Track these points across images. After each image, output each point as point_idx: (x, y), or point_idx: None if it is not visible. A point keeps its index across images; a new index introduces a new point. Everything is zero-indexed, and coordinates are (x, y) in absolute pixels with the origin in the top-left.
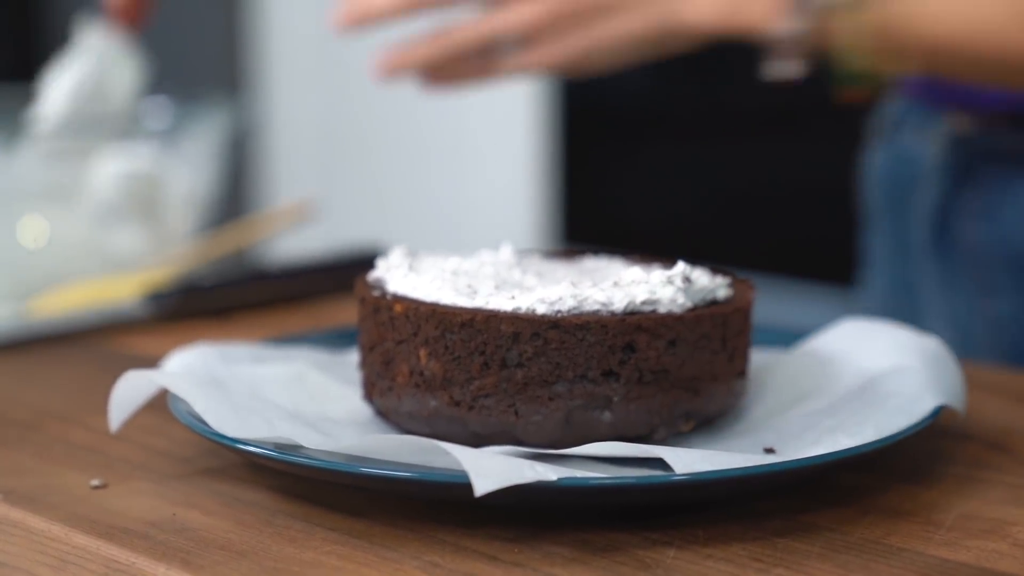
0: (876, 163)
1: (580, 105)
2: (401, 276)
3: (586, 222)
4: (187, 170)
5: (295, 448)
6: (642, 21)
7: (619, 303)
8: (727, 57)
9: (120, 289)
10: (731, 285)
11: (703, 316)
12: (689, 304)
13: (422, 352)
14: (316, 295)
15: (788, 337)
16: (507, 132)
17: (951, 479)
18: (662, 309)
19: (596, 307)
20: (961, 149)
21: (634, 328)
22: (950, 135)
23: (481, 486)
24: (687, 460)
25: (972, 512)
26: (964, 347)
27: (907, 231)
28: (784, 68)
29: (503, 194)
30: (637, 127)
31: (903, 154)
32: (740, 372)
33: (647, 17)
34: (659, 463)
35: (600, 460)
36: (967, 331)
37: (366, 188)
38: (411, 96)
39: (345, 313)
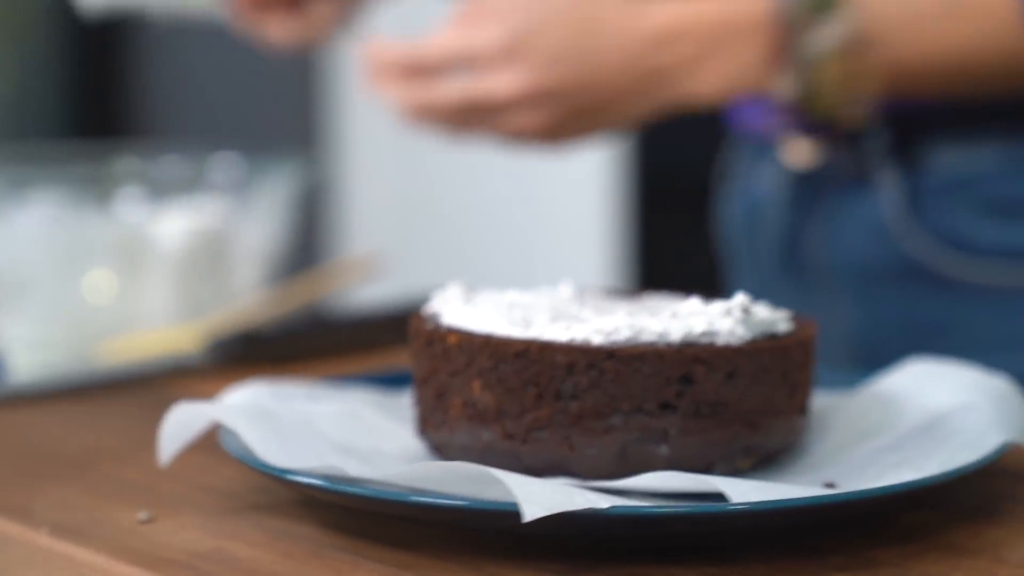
0: (730, 206)
1: (654, 162)
2: (456, 309)
3: (658, 279)
4: (257, 225)
5: (342, 478)
6: (649, 107)
7: (676, 334)
8: None
9: (183, 339)
10: (792, 319)
11: (762, 348)
12: (748, 336)
13: (475, 384)
14: (378, 344)
15: (852, 379)
16: (580, 189)
17: (1018, 517)
18: (720, 341)
19: (653, 338)
20: (798, 182)
21: (691, 359)
22: (784, 173)
23: (530, 511)
24: (743, 490)
25: None
26: (822, 356)
27: (761, 262)
28: (799, 155)
29: (576, 250)
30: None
31: (752, 194)
32: (801, 408)
33: (654, 103)
34: (718, 499)
35: (657, 496)
36: (824, 343)
37: (440, 243)
38: (485, 152)
39: (406, 361)
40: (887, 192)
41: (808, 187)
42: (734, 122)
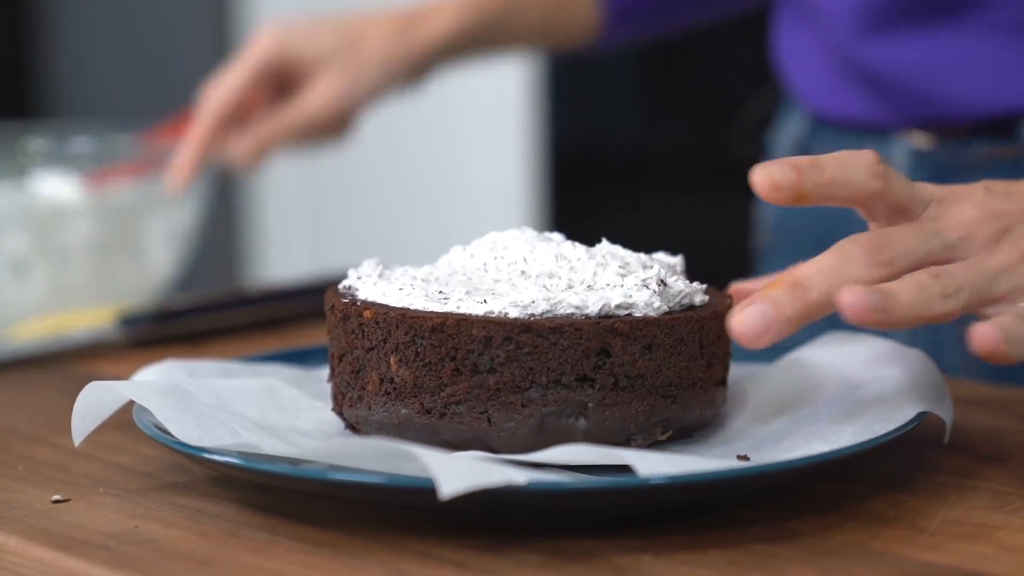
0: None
1: (570, 149)
2: (371, 284)
3: None
4: (169, 205)
5: (259, 456)
6: None
7: (593, 306)
8: (718, 103)
9: (96, 318)
10: (708, 291)
11: (679, 320)
12: (665, 308)
13: (392, 359)
14: (292, 320)
15: (770, 351)
16: (496, 162)
17: (936, 487)
18: (638, 313)
19: (570, 311)
20: (926, 165)
21: (608, 331)
22: (910, 152)
23: (448, 488)
24: (652, 462)
25: (957, 518)
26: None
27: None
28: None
29: (492, 224)
30: (626, 170)
31: None
32: (719, 380)
33: None
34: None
35: (575, 469)
36: (940, 350)
37: (356, 219)
38: (403, 130)
39: (321, 336)
40: None
41: (930, 175)
42: (811, 105)
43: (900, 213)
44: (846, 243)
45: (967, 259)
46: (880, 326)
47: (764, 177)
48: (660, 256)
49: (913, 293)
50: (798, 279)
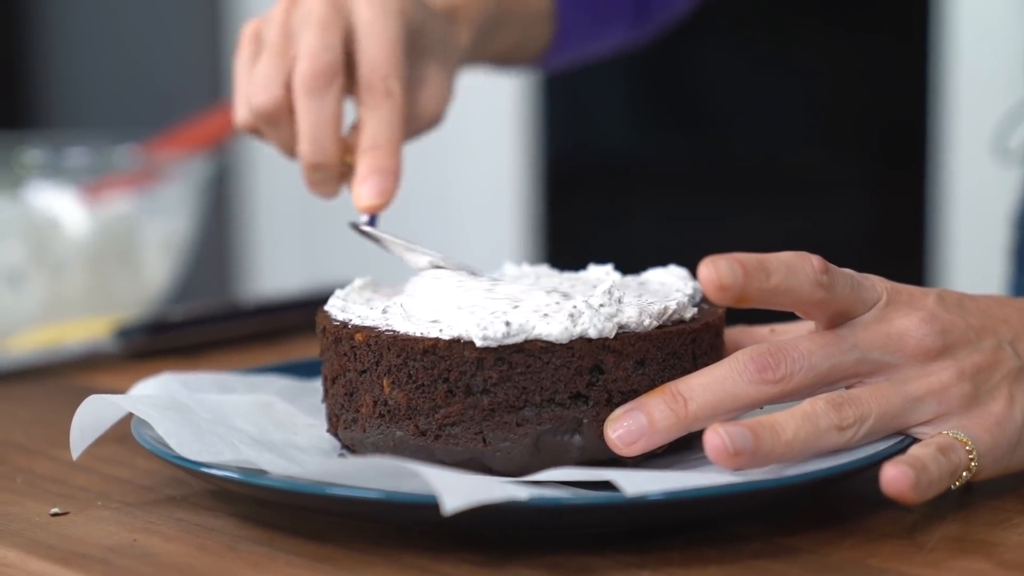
0: None
1: (564, 158)
2: (362, 305)
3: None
4: (164, 216)
5: (259, 472)
6: None
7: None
8: (711, 112)
9: (93, 329)
10: (698, 305)
11: (671, 334)
12: (656, 323)
13: (385, 381)
14: (288, 332)
15: None
16: (488, 175)
17: (934, 503)
18: (630, 329)
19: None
20: None
21: (601, 348)
22: None
23: (450, 504)
24: (639, 481)
25: (957, 534)
26: None
27: None
28: None
29: (485, 237)
30: (619, 179)
31: None
32: None
33: None
34: None
35: (570, 485)
36: None
37: (350, 232)
38: None
39: (316, 348)
40: None
41: None
42: None
43: (842, 316)
44: (742, 354)
45: (888, 378)
46: (753, 467)
47: (711, 275)
48: (673, 269)
49: (801, 426)
50: (679, 390)
